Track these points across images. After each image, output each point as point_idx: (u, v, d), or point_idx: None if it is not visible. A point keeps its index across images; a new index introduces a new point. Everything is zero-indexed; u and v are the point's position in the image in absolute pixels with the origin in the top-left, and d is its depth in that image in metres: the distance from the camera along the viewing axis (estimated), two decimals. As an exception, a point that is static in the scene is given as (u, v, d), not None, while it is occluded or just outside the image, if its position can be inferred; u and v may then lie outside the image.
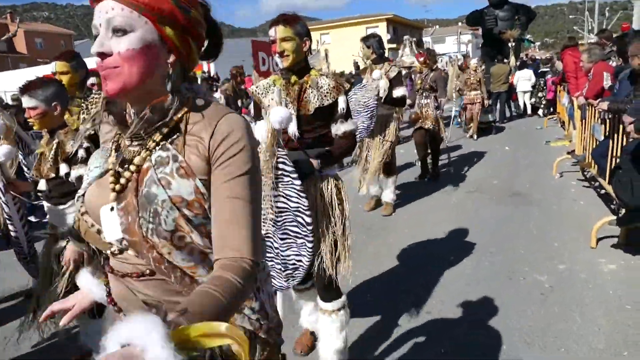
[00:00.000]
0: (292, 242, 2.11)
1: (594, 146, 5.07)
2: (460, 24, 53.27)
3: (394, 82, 4.73)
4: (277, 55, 2.15)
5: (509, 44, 19.50)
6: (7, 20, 49.12)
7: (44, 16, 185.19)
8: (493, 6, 21.64)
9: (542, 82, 12.41)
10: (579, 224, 4.40)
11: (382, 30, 43.29)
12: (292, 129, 2.16)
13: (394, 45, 35.50)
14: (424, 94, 6.27)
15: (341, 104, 2.21)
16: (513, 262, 3.69)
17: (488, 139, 9.73)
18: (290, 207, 2.04)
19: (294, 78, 2.23)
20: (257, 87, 2.36)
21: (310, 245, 2.05)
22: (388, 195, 5.16)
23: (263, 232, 2.07)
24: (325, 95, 2.20)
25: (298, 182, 1.99)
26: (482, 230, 4.43)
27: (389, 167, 5.04)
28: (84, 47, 53.46)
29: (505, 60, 15.30)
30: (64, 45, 51.78)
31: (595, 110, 5.19)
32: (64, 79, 2.85)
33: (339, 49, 24.61)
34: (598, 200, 5.08)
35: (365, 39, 4.83)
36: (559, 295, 3.13)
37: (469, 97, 9.58)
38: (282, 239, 2.13)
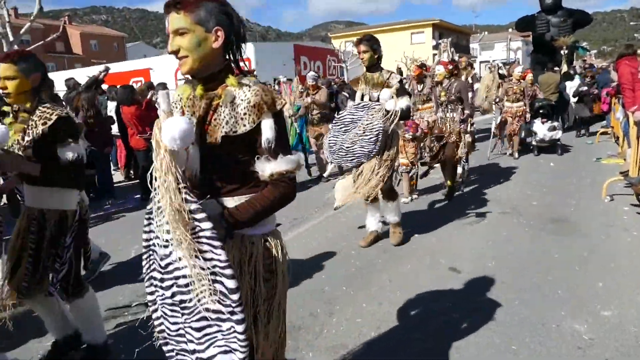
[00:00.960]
0: (215, 332, 1.42)
1: (652, 169, 4.43)
2: (510, 30, 51.43)
3: (397, 92, 4.01)
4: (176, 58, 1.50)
5: (562, 52, 18.46)
6: (65, 22, 51.95)
7: (102, 19, 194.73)
8: (545, 11, 20.62)
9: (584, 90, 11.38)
10: (629, 260, 3.80)
11: (427, 35, 42.43)
12: (193, 163, 1.51)
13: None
14: (449, 107, 5.72)
15: (267, 132, 1.47)
16: (548, 303, 3.17)
17: (527, 152, 9.02)
18: (202, 269, 1.36)
19: (199, 89, 1.54)
20: None
21: (242, 328, 1.37)
22: (392, 218, 4.40)
23: (173, 328, 1.51)
24: (241, 118, 1.47)
25: (207, 225, 1.35)
26: (514, 261, 3.91)
27: (389, 191, 4.31)
28: (135, 49, 55.85)
29: (556, 69, 14.39)
30: (116, 47, 54.30)
31: (654, 127, 4.55)
32: (10, 86, 2.31)
33: (384, 54, 24.05)
34: (655, 232, 4.44)
35: (370, 41, 4.00)
36: (601, 352, 2.60)
37: (510, 109, 8.58)
38: (198, 330, 1.44)
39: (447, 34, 41.50)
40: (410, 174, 5.92)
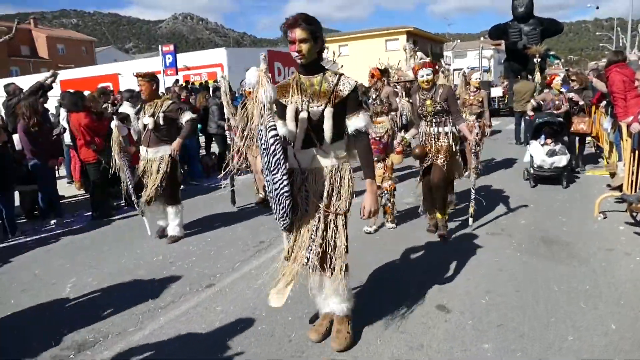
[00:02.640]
0: None
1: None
2: (482, 38, 52.18)
3: (350, 106, 2.59)
4: None
5: (534, 60, 18.50)
6: (31, 25, 50.14)
7: (72, 23, 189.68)
8: (518, 20, 20.70)
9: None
10: (639, 295, 3.34)
11: (402, 43, 42.37)
12: None
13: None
14: (435, 120, 4.62)
15: None
16: (557, 356, 2.66)
17: (509, 165, 8.64)
18: None
19: None
20: None
21: None
22: (337, 305, 2.78)
23: None
24: None
25: None
26: (510, 296, 3.40)
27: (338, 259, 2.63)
28: (105, 54, 54.21)
29: (530, 77, 14.30)
30: (85, 52, 52.58)
31: (655, 141, 4.15)
32: None
33: (357, 61, 23.79)
34: (659, 256, 4.01)
35: (311, 25, 2.47)
36: None
37: (468, 122, 6.87)
38: None
39: (421, 41, 41.67)
40: (382, 200, 5.01)
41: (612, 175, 6.36)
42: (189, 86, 15.35)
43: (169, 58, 19.13)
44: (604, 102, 7.79)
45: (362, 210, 2.64)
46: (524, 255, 4.18)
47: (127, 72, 22.43)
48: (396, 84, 10.65)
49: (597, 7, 34.55)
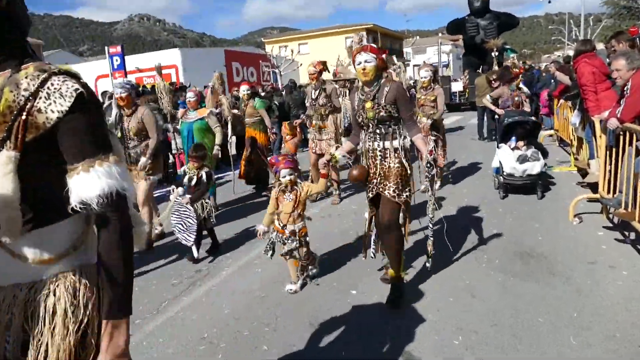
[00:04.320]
0: None
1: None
2: (440, 34, 52.75)
3: (67, 148, 1.17)
4: None
5: (492, 54, 18.51)
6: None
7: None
8: (475, 14, 20.71)
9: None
10: (633, 322, 2.83)
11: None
12: None
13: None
14: (378, 131, 3.22)
15: None
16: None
17: (473, 165, 8.23)
18: None
19: None
20: None
21: None
22: None
23: None
24: None
25: None
26: (489, 332, 2.83)
27: None
28: (56, 58, 51.21)
29: (490, 71, 14.14)
30: (31, 56, 49.62)
31: (635, 137, 3.69)
32: None
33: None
34: (646, 268, 3.55)
35: None
36: None
37: (421, 125, 5.77)
38: None
39: (381, 38, 41.49)
40: (289, 248, 3.56)
41: (582, 173, 5.98)
42: (141, 89, 14.45)
43: (116, 60, 18.01)
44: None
45: None
46: (498, 275, 3.64)
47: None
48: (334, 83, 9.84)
49: (550, 1, 35.30)
